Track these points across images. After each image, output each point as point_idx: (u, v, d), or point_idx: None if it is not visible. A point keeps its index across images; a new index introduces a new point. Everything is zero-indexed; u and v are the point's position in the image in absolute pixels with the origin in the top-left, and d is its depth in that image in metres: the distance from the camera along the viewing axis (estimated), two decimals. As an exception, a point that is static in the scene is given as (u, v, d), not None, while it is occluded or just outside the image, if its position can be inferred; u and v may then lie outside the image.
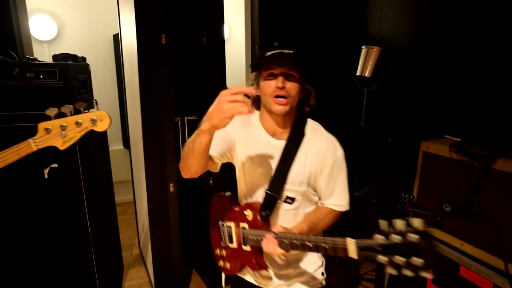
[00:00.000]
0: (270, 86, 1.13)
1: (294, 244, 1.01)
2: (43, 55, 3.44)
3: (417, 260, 0.73)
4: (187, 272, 2.76)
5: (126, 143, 3.85)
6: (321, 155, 1.20)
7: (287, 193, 1.21)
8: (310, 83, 1.22)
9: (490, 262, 1.60)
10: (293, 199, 1.22)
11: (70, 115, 1.10)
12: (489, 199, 1.60)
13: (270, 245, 1.05)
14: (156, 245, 2.28)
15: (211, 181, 2.31)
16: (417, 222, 0.74)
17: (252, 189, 1.27)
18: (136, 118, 2.35)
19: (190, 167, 1.17)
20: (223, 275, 1.48)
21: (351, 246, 0.86)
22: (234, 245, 1.28)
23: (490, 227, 1.58)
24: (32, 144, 1.09)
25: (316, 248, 0.96)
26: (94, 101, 2.20)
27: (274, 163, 1.21)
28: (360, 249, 0.85)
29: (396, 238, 0.76)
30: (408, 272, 0.74)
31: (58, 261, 1.95)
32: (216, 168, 1.31)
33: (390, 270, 0.77)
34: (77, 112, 1.10)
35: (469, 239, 1.69)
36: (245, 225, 1.23)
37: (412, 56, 2.53)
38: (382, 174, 2.60)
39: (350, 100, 2.89)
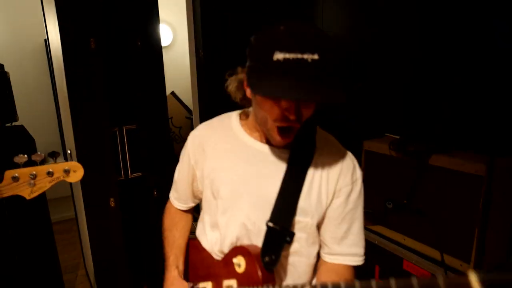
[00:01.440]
0: (273, 110, 0.74)
1: None
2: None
3: None
4: (137, 289, 2.61)
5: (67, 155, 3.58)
6: (335, 175, 0.84)
7: (296, 229, 0.83)
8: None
9: (429, 254, 1.66)
10: (292, 236, 0.80)
11: (39, 164, 1.03)
12: (427, 194, 1.65)
13: None
14: (99, 265, 2.13)
15: (155, 192, 2.20)
16: None
17: (233, 225, 0.84)
18: (68, 130, 2.17)
19: None
20: None
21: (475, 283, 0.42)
22: None
23: (426, 220, 1.64)
24: None
25: None
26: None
27: (273, 182, 0.82)
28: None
29: None
30: None
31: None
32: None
33: None
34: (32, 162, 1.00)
35: (410, 234, 1.75)
36: (233, 282, 0.79)
37: (353, 56, 2.59)
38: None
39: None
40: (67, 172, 1.06)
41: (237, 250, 0.81)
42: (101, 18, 1.89)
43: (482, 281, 0.41)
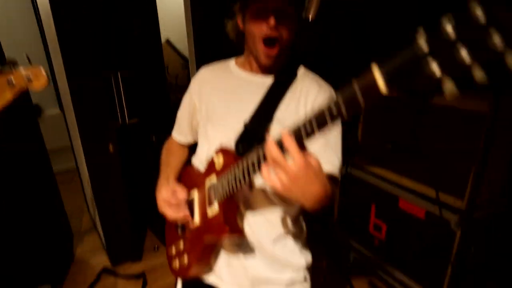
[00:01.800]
0: (259, 26, 0.90)
1: (310, 127, 0.61)
2: None
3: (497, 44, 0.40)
4: (140, 232, 2.72)
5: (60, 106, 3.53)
6: (312, 98, 0.96)
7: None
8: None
9: (425, 192, 1.70)
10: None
11: None
12: (427, 134, 1.66)
13: (287, 139, 0.63)
14: (102, 209, 2.19)
15: (154, 138, 2.20)
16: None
17: (218, 137, 0.98)
18: (62, 77, 2.12)
19: None
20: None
21: (378, 75, 0.50)
22: (196, 220, 0.96)
23: (424, 160, 1.66)
24: None
25: (334, 114, 0.57)
26: (25, 55, 1.93)
27: (255, 100, 0.96)
28: (389, 74, 0.49)
29: (448, 29, 0.44)
30: (479, 74, 0.43)
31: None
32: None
33: (448, 86, 0.45)
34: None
35: (407, 174, 1.78)
36: (213, 177, 0.91)
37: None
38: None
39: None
40: (29, 80, 0.98)
41: (217, 151, 0.92)
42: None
43: (384, 72, 0.50)
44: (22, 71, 0.96)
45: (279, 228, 0.98)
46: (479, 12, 0.41)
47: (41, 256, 1.98)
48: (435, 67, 0.45)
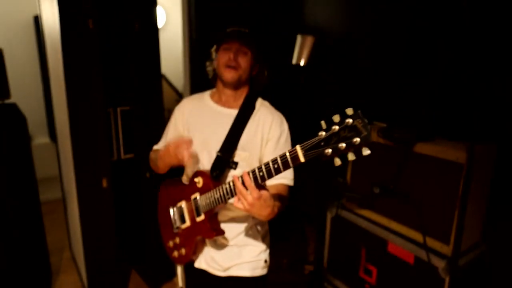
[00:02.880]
0: (223, 56, 1.25)
1: (261, 173, 0.98)
2: None
3: (356, 140, 0.79)
4: (124, 273, 2.63)
5: (54, 135, 3.52)
6: (268, 126, 1.27)
7: (235, 158, 1.26)
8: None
9: (412, 236, 1.76)
10: (236, 164, 1.25)
11: None
12: (411, 180, 1.75)
13: (247, 179, 0.98)
14: (88, 246, 2.13)
15: (148, 174, 2.21)
16: (349, 110, 0.81)
17: (201, 158, 1.31)
18: (62, 109, 2.15)
19: (159, 168, 1.37)
20: (179, 272, 1.49)
21: (300, 151, 0.89)
22: (187, 223, 1.29)
23: (411, 204, 1.74)
24: None
25: (277, 168, 0.95)
26: None
27: (225, 131, 1.27)
28: (306, 150, 0.87)
29: (334, 128, 0.82)
30: (351, 156, 0.81)
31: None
32: None
33: (337, 161, 0.83)
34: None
35: (395, 217, 1.85)
36: (197, 194, 1.24)
37: (344, 46, 2.66)
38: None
39: (287, 87, 2.95)
40: None
41: (196, 173, 1.25)
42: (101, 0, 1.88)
43: (303, 150, 0.88)
44: None
45: (242, 227, 1.32)
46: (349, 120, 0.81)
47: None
48: (328, 151, 0.83)
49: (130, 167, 2.38)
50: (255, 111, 1.30)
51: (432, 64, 2.01)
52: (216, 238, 1.29)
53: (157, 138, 2.31)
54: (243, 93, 1.32)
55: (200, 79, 2.70)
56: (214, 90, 1.40)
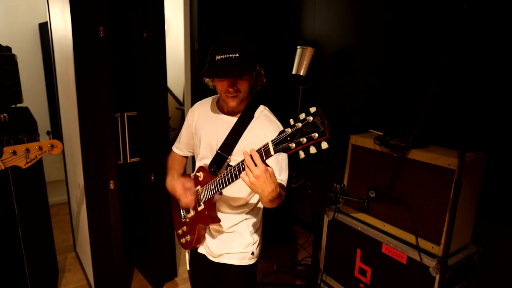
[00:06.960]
0: (221, 85, 1.29)
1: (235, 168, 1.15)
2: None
3: (314, 135, 0.89)
4: (128, 272, 2.71)
5: (57, 139, 3.59)
6: (263, 133, 1.34)
7: (231, 162, 1.38)
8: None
9: (405, 238, 1.86)
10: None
11: (25, 142, 1.35)
12: (405, 185, 1.85)
13: (255, 154, 1.05)
14: (96, 246, 2.21)
15: (152, 177, 2.30)
16: (312, 109, 0.90)
17: (204, 157, 1.46)
18: (71, 114, 2.23)
19: None
20: (187, 256, 1.67)
21: (270, 145, 1.00)
22: (192, 212, 1.45)
23: (404, 207, 1.84)
24: (0, 163, 1.31)
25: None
26: (48, 132, 2.09)
27: (224, 135, 1.39)
28: (275, 144, 0.98)
29: (297, 124, 0.93)
30: (312, 149, 0.90)
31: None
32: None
33: (301, 154, 0.93)
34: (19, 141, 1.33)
35: (389, 220, 1.95)
36: (199, 187, 1.41)
37: (342, 57, 2.77)
38: (317, 166, 2.81)
39: (286, 97, 3.06)
40: (51, 147, 1.41)
41: (198, 169, 1.44)
42: (111, 8, 1.96)
43: (273, 144, 0.99)
44: (48, 141, 1.40)
45: (235, 221, 1.45)
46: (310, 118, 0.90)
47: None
48: (292, 145, 0.94)
49: (136, 170, 2.46)
50: (253, 120, 1.37)
51: (428, 76, 2.12)
52: (212, 227, 1.46)
53: (162, 143, 2.41)
54: (245, 102, 1.38)
55: (201, 87, 2.79)
56: (217, 97, 1.50)
